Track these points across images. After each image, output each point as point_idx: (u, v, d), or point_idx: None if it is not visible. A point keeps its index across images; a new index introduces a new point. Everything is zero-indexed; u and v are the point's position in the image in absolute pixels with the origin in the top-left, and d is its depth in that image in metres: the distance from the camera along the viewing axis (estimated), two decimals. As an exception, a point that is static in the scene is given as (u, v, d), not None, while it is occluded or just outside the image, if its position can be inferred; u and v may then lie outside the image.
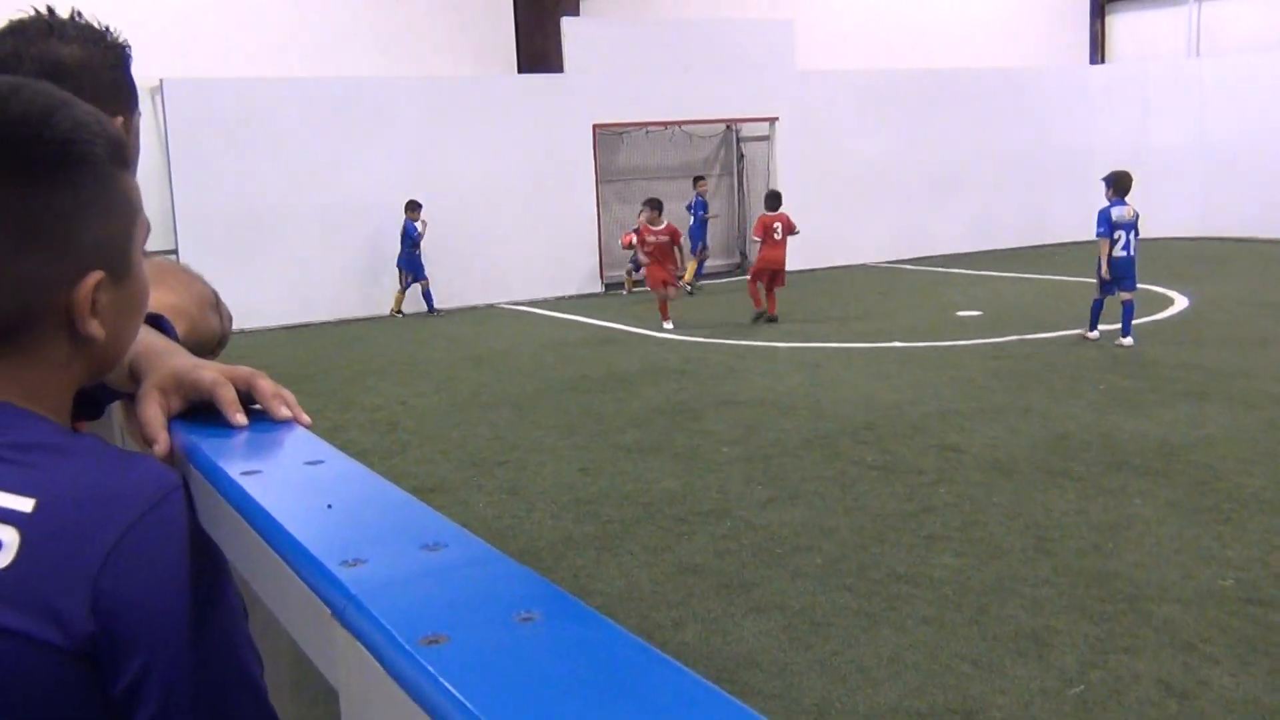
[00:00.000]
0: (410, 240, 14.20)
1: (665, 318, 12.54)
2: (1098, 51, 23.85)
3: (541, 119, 15.66)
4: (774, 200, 12.97)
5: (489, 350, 11.85)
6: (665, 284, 12.59)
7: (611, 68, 16.03)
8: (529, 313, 14.64)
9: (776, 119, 17.49)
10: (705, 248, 16.67)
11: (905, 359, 10.30)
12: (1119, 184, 10.58)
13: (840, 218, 17.82)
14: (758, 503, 6.22)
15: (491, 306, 14.92)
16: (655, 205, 12.85)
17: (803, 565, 5.26)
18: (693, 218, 16.60)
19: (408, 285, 14.39)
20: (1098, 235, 10.55)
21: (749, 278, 13.06)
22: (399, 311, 14.39)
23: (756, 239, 12.85)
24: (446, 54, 17.09)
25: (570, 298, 15.77)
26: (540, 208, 15.64)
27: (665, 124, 17.30)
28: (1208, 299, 12.99)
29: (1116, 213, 10.44)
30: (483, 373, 10.58)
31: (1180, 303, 12.80)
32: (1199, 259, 17.19)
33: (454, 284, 14.94)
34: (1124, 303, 10.37)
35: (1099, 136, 20.10)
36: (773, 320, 12.54)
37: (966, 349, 10.67)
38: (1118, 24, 23.79)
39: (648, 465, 7.06)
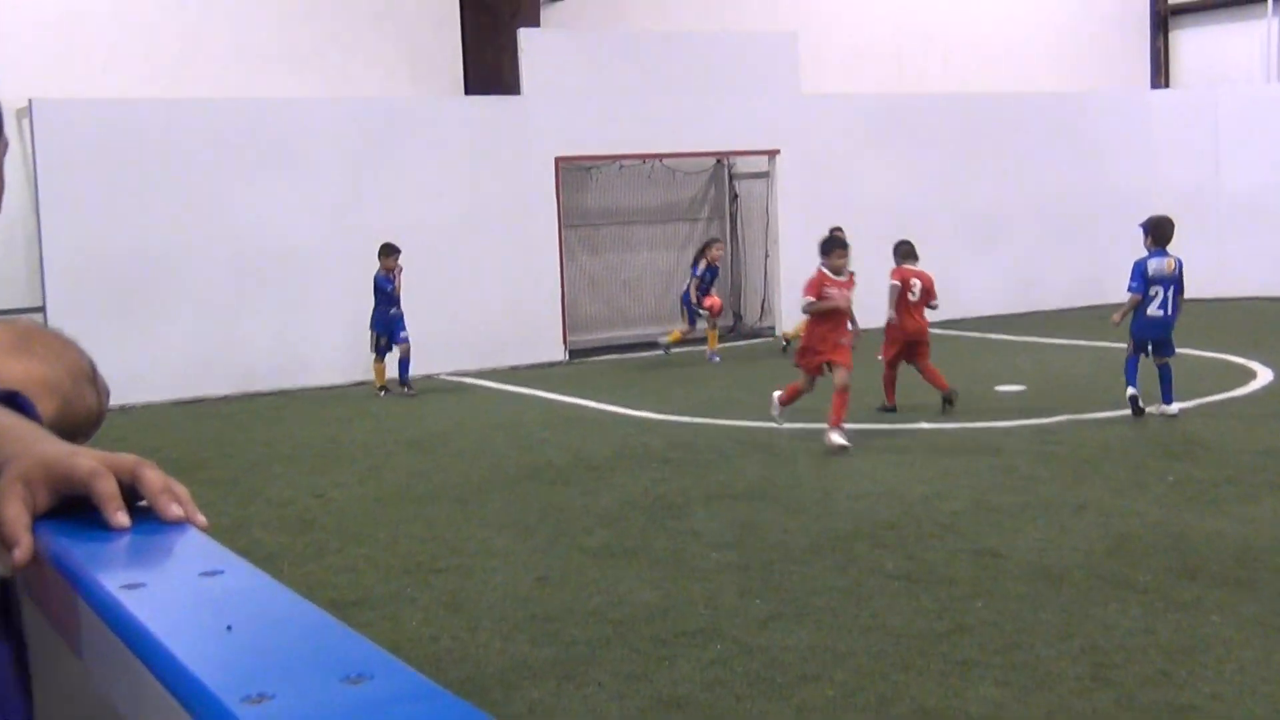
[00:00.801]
0: (382, 294, 13.81)
1: (784, 400, 10.60)
2: (1160, 74, 24.34)
3: (493, 150, 15.80)
4: (910, 250, 12.04)
5: (425, 431, 11.82)
6: (817, 369, 10.33)
7: (578, 89, 16.22)
8: (475, 385, 14.64)
9: (777, 152, 17.71)
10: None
11: (934, 443, 10.34)
12: (1158, 232, 10.91)
13: (854, 271, 17.96)
14: (755, 621, 6.20)
15: (429, 378, 14.91)
16: (839, 244, 10.86)
17: (810, 698, 5.23)
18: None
19: (384, 351, 13.94)
20: (1129, 290, 10.90)
21: (884, 358, 11.90)
22: (382, 388, 13.97)
23: (894, 284, 11.81)
24: (378, 71, 17.26)
25: (527, 367, 15.79)
26: (491, 257, 15.71)
27: (643, 157, 17.48)
28: (1297, 371, 13.14)
29: (1154, 265, 10.74)
30: (418, 459, 10.55)
31: (1264, 376, 12.92)
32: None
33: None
34: (1160, 367, 10.73)
35: (1162, 174, 20.42)
36: (951, 402, 11.42)
37: (1008, 431, 10.72)
38: (1183, 41, 24.32)
39: (620, 573, 7.03)
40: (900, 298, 11.75)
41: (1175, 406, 10.75)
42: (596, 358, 16.62)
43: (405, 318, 13.90)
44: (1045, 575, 6.70)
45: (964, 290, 18.95)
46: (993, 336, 16.70)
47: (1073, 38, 23.37)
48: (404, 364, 13.91)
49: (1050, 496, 8.38)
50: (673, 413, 12.19)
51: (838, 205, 17.87)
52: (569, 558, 7.39)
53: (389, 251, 13.80)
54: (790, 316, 17.42)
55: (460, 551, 7.63)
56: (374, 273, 13.85)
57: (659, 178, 18.16)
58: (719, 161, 18.68)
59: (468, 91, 17.34)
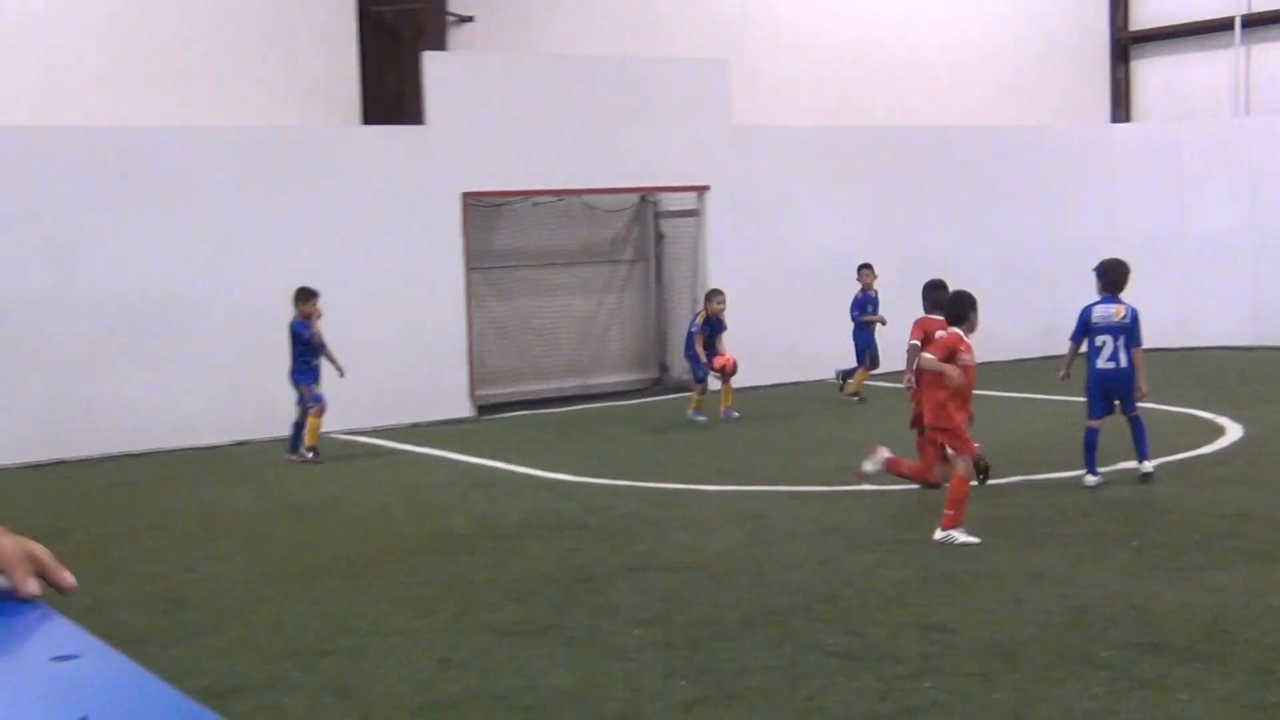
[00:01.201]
0: (299, 343, 13.44)
1: (952, 522, 9.07)
2: (1121, 106, 24.88)
3: (394, 184, 15.78)
4: (939, 295, 11.29)
5: (314, 497, 11.71)
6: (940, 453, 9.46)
7: (488, 118, 16.27)
8: (371, 445, 14.54)
9: (706, 188, 17.85)
10: (870, 357, 16.58)
11: (877, 507, 10.41)
12: (1109, 276, 11.00)
13: (792, 320, 18.12)
14: (680, 704, 6.19)
15: (320, 436, 14.78)
16: (975, 304, 9.82)
17: (741, 790, 5.23)
18: (873, 320, 16.74)
19: (318, 399, 13.57)
20: (1070, 339, 11.06)
21: (913, 425, 11.02)
22: (312, 448, 13.55)
23: (914, 344, 11.11)
24: (266, 97, 17.18)
25: (429, 425, 15.71)
26: (390, 303, 15.65)
27: (559, 193, 17.53)
28: (1268, 427, 13.40)
29: (1099, 312, 10.82)
30: (305, 528, 10.45)
31: (1232, 432, 13.18)
32: (1254, 375, 17.75)
33: (268, 403, 14.78)
34: (1130, 422, 10.83)
35: (1123, 213, 20.85)
36: (933, 486, 10.41)
37: (958, 494, 10.83)
38: (1145, 73, 24.89)
39: (531, 653, 7.00)
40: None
41: (1150, 464, 10.79)
42: (507, 414, 16.58)
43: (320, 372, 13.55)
44: (998, 651, 6.76)
45: (907, 338, 19.13)
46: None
47: (1028, 67, 23.80)
48: (301, 428, 13.67)
49: (1003, 565, 8.47)
50: (591, 475, 12.17)
51: (773, 246, 18.06)
52: (474, 637, 7.34)
53: (306, 296, 13.49)
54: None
55: (351, 631, 7.55)
56: (290, 319, 13.43)
57: (577, 215, 18.21)
58: (643, 198, 18.77)
59: (366, 120, 17.31)
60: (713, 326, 15.60)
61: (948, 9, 22.97)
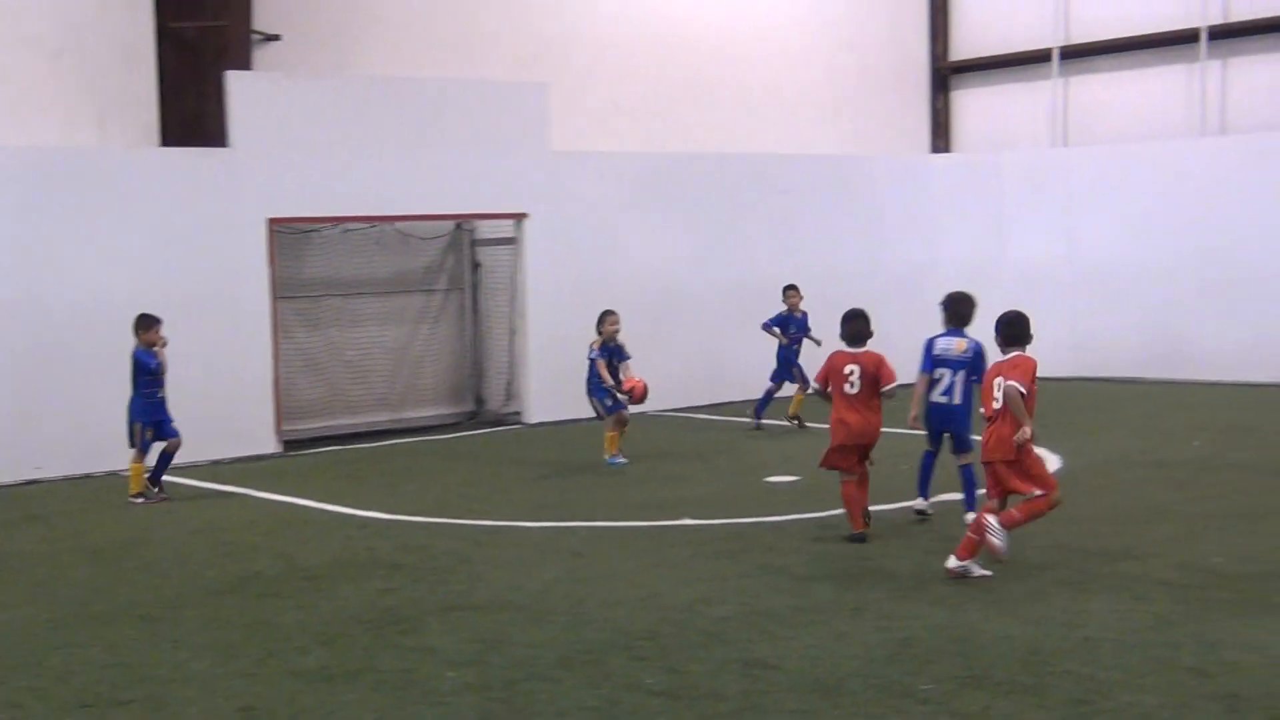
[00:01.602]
0: (144, 374, 13.02)
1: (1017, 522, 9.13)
2: (940, 136, 25.67)
3: (194, 210, 15.50)
4: (856, 326, 10.80)
5: (108, 539, 11.44)
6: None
7: (296, 141, 16.10)
8: (170, 483, 14.21)
9: (525, 216, 17.91)
10: (800, 377, 16.73)
11: (699, 542, 10.52)
12: (952, 309, 11.09)
13: (612, 350, 18.23)
14: (496, 748, 6.20)
15: (113, 475, 14.44)
16: None
17: (558, 834, 5.24)
18: (780, 340, 16.92)
19: (147, 445, 13.14)
20: (920, 370, 11.01)
21: (826, 463, 10.60)
22: (139, 494, 13.08)
23: (818, 388, 10.81)
24: (55, 116, 16.79)
25: (232, 462, 15.45)
26: (190, 334, 15.29)
27: (371, 220, 17.43)
28: (1083, 459, 13.93)
29: (941, 345, 10.90)
30: (99, 571, 10.21)
31: (1050, 463, 13.59)
32: (1071, 406, 18.36)
33: (59, 440, 14.40)
34: (959, 468, 10.92)
35: (943, 244, 21.46)
36: (859, 538, 10.34)
37: (779, 527, 11.01)
38: (965, 103, 25.73)
39: (340, 699, 6.94)
40: (836, 389, 10.52)
41: (970, 516, 10.54)
42: (315, 450, 16.39)
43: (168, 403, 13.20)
44: (820, 687, 6.89)
45: (735, 368, 19.42)
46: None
47: (849, 96, 24.47)
48: (168, 460, 13.37)
49: (825, 599, 8.65)
50: (404, 512, 12.10)
51: (594, 275, 18.16)
52: (279, 683, 7.25)
53: (149, 324, 13.11)
54: (546, 400, 17.55)
55: (149, 679, 7.40)
56: (133, 349, 13.04)
57: (389, 243, 18.12)
58: (458, 226, 18.76)
59: (165, 142, 17.01)
60: (611, 353, 14.77)
61: (770, 36, 23.48)
